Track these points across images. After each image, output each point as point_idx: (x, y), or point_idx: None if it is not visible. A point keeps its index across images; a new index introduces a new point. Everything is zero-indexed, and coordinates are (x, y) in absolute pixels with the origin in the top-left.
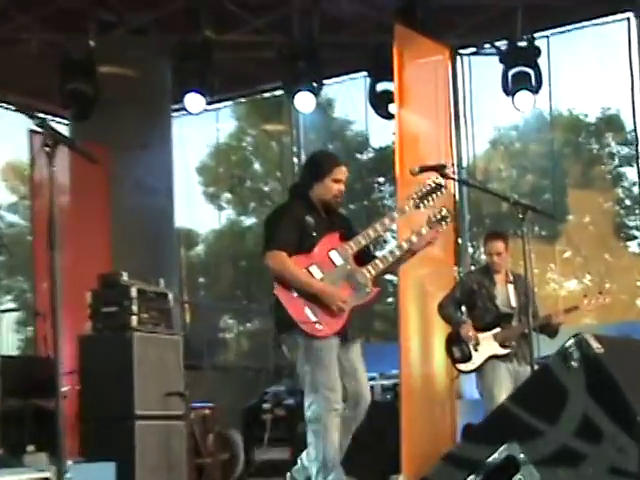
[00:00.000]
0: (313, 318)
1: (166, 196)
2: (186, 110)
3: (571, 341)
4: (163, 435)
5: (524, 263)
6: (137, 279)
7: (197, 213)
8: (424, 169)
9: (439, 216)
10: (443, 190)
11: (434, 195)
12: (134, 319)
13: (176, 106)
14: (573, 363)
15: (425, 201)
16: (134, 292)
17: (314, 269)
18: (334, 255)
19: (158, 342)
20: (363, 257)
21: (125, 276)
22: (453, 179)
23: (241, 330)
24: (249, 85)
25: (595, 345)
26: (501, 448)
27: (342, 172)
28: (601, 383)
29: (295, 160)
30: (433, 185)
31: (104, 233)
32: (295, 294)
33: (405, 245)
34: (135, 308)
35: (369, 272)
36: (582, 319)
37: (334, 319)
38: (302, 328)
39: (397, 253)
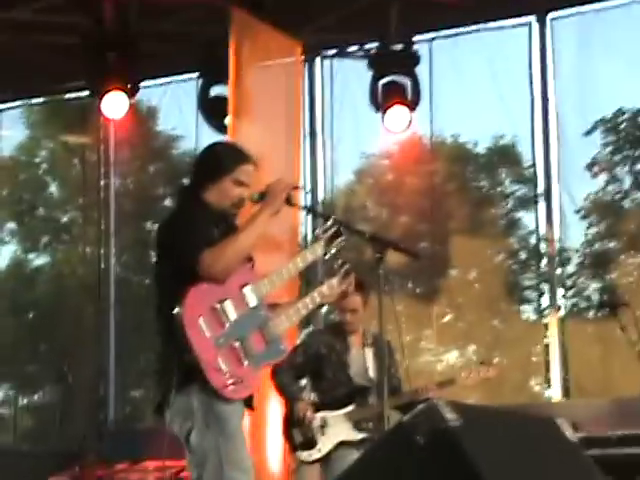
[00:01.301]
0: (226, 371)
1: None
2: None
3: (419, 409)
4: None
5: (379, 318)
6: None
7: None
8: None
9: (342, 271)
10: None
11: (337, 240)
12: None
13: None
14: (418, 438)
15: (330, 247)
16: None
17: (228, 306)
18: (248, 292)
19: None
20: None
21: None
22: (297, 206)
23: (23, 405)
24: (46, 82)
25: (450, 416)
26: None
27: (246, 173)
28: (453, 466)
29: (102, 183)
30: (335, 227)
31: None
32: (208, 333)
33: (317, 298)
34: None
35: (283, 323)
36: (463, 399)
37: (251, 378)
38: (209, 382)
39: (310, 306)
